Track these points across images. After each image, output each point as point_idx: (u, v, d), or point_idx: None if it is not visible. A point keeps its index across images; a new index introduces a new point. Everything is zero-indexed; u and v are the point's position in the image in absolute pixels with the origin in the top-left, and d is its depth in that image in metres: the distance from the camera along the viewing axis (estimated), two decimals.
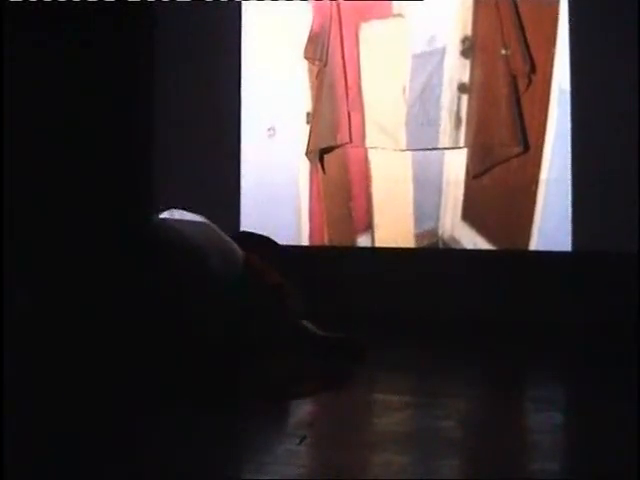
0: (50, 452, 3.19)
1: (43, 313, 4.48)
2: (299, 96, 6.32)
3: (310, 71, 6.30)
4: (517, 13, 5.80)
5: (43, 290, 4.60)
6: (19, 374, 3.93)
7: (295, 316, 4.79)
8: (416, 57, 6.05)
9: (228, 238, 4.71)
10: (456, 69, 5.96)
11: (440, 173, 5.98)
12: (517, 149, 5.79)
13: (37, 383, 4.04)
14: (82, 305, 4.25)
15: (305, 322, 4.87)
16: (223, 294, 4.41)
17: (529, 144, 5.77)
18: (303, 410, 4.00)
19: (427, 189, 5.99)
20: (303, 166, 6.28)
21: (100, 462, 3.08)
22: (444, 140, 5.97)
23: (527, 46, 5.79)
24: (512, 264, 5.77)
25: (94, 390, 3.90)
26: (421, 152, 6.01)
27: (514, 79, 5.82)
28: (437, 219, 5.99)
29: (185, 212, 4.83)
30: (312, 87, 6.30)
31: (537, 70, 5.79)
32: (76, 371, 4.10)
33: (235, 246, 4.67)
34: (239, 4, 6.38)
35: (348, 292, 5.92)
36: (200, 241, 4.53)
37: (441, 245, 6.00)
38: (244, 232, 5.42)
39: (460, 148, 5.94)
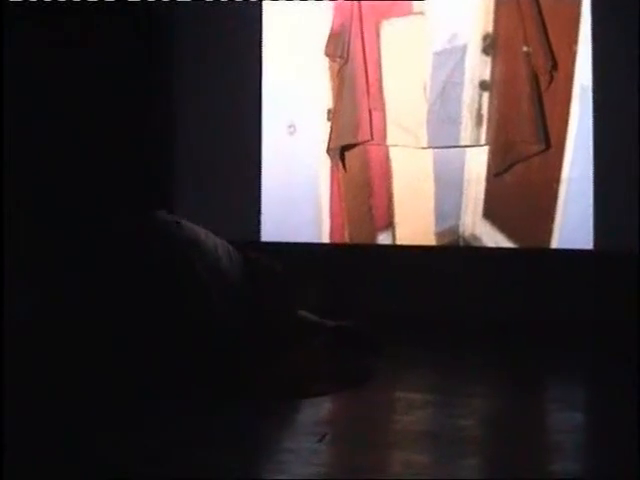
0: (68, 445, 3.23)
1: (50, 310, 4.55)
2: (320, 93, 6.31)
3: (331, 69, 6.29)
4: (539, 10, 5.77)
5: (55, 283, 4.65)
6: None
7: (294, 304, 4.77)
8: (437, 55, 6.03)
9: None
10: (477, 66, 5.94)
11: (461, 171, 5.96)
12: (538, 147, 5.76)
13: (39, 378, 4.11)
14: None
15: (305, 312, 4.85)
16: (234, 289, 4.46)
17: (550, 142, 5.74)
18: (323, 408, 4.01)
19: (448, 187, 5.97)
20: (324, 164, 6.27)
21: (117, 461, 3.11)
22: (465, 138, 5.95)
23: (549, 43, 5.76)
24: (533, 262, 5.75)
25: (108, 389, 3.94)
26: (442, 150, 5.99)
27: (535, 76, 5.79)
28: (458, 217, 5.98)
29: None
30: (333, 85, 6.29)
31: (559, 67, 5.76)
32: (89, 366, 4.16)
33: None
34: (260, 3, 6.38)
35: (368, 290, 5.92)
36: (211, 240, 4.57)
37: (462, 243, 5.98)
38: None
39: (481, 146, 5.92)
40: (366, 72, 6.18)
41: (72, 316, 4.38)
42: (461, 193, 5.95)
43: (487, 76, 5.91)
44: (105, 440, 3.34)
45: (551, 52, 5.75)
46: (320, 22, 6.27)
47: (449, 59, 6.00)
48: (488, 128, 5.89)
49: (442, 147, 5.99)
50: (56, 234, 5.40)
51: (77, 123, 5.87)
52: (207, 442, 3.37)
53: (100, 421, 3.59)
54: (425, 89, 6.04)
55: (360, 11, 6.19)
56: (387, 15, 6.16)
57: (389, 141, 6.13)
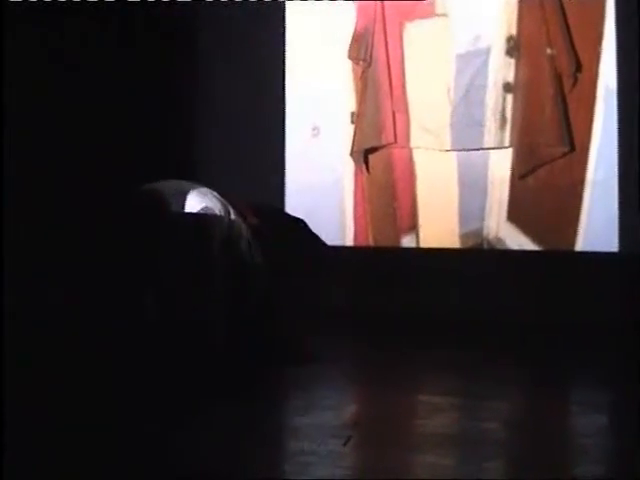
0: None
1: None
2: (343, 96, 6.33)
3: (354, 71, 6.30)
4: (562, 12, 5.76)
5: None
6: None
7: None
8: (460, 57, 6.03)
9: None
10: (501, 69, 5.93)
11: (485, 173, 5.95)
12: (563, 149, 5.74)
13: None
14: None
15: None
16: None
17: (575, 144, 5.72)
18: (347, 411, 4.02)
19: (472, 189, 5.97)
20: (348, 166, 6.28)
21: (139, 462, 3.14)
22: (489, 140, 5.94)
23: (573, 45, 5.74)
24: (557, 265, 5.73)
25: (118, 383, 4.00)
26: (466, 152, 5.99)
27: (559, 78, 5.77)
28: (482, 219, 5.97)
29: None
30: (356, 87, 6.30)
31: (583, 69, 5.73)
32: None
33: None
34: (283, 5, 6.40)
35: (392, 292, 5.92)
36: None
37: (486, 246, 5.97)
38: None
39: (505, 148, 5.91)
40: (389, 75, 6.19)
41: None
42: (485, 195, 5.95)
43: (511, 78, 5.90)
44: (133, 438, 3.37)
45: (575, 54, 5.73)
46: (343, 25, 6.28)
47: (473, 61, 5.99)
48: (512, 130, 5.88)
49: (466, 149, 5.99)
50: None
51: (88, 127, 5.92)
52: (231, 442, 3.39)
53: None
54: (449, 91, 6.04)
55: (383, 13, 6.19)
56: (410, 17, 6.16)
57: (413, 143, 6.13)
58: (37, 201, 5.53)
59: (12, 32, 5.19)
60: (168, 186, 4.56)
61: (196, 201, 4.49)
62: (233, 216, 4.57)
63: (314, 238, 5.08)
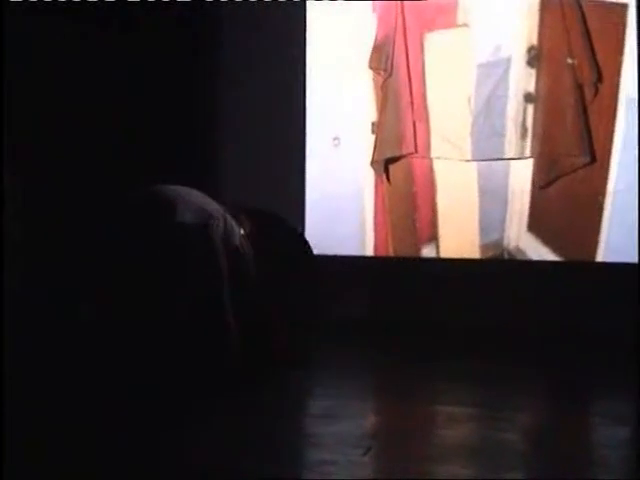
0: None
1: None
2: (364, 106, 6.34)
3: (375, 81, 6.31)
4: (583, 21, 5.74)
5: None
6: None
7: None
8: (481, 67, 6.03)
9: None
10: (522, 79, 5.92)
11: (505, 183, 5.94)
12: (583, 159, 5.73)
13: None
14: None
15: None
16: None
17: (595, 154, 5.71)
18: (367, 421, 4.03)
19: (492, 200, 5.96)
20: (368, 176, 6.29)
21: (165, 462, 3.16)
22: (510, 150, 5.93)
23: (594, 55, 5.73)
24: (578, 275, 5.71)
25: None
26: (486, 162, 5.98)
27: (580, 88, 5.75)
28: (502, 230, 5.95)
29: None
30: (377, 97, 6.31)
31: (604, 79, 5.71)
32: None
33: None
34: (304, 15, 6.42)
35: (412, 303, 5.92)
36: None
37: (506, 256, 5.96)
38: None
39: (526, 158, 5.90)
40: (410, 85, 6.19)
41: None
42: (505, 206, 5.94)
43: (532, 88, 5.89)
44: (143, 440, 3.39)
45: (596, 63, 5.71)
46: (364, 35, 6.29)
47: (493, 71, 5.99)
48: (533, 141, 5.87)
49: (486, 160, 5.98)
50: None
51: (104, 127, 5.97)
52: (250, 450, 3.40)
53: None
54: (469, 101, 6.04)
55: (404, 23, 6.20)
56: (431, 27, 6.17)
57: (433, 154, 6.14)
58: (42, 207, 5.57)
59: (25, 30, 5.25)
60: (170, 190, 4.61)
61: (197, 204, 4.54)
62: (229, 221, 4.62)
63: (306, 248, 5.12)
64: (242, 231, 4.72)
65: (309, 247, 5.12)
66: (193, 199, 4.59)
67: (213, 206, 4.60)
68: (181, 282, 4.36)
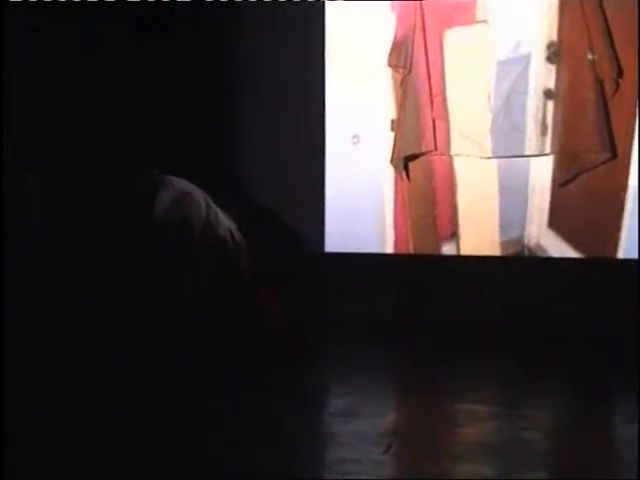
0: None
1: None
2: (383, 104, 6.33)
3: (394, 79, 6.31)
4: (603, 17, 5.71)
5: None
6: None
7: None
8: (501, 63, 6.01)
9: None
10: (542, 75, 5.90)
11: (526, 180, 5.92)
12: (604, 155, 5.69)
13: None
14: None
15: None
16: None
17: (616, 150, 5.67)
18: (388, 419, 4.02)
19: (513, 196, 5.94)
20: (388, 174, 6.28)
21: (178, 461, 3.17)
22: (530, 147, 5.91)
23: (614, 50, 5.69)
24: (599, 273, 5.68)
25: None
26: (506, 159, 5.96)
27: (601, 84, 5.72)
28: (523, 227, 5.94)
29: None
30: (396, 95, 6.30)
31: (624, 74, 5.68)
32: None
33: None
34: (323, 14, 6.42)
35: (432, 300, 5.91)
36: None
37: (527, 253, 5.94)
38: None
39: (546, 155, 5.88)
40: (429, 82, 6.18)
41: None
42: (526, 203, 5.92)
43: (552, 85, 5.87)
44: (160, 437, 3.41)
45: (616, 59, 5.68)
46: (383, 32, 6.28)
47: (513, 68, 5.97)
48: (553, 137, 5.84)
49: (506, 157, 5.96)
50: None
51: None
52: (271, 449, 3.41)
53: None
54: (489, 98, 6.02)
55: (423, 21, 6.19)
56: (450, 24, 6.15)
57: (453, 151, 6.12)
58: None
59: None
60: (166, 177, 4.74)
61: (177, 186, 4.65)
62: (214, 209, 4.69)
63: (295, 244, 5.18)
64: (234, 226, 4.79)
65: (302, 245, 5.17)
66: (181, 184, 4.69)
67: (197, 193, 4.70)
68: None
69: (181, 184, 4.79)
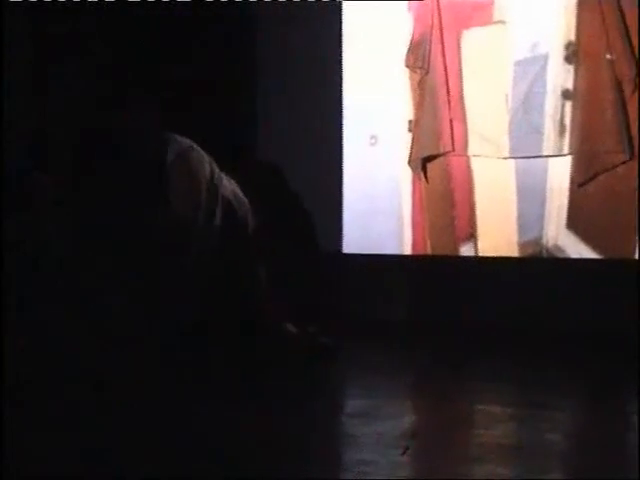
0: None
1: None
2: (401, 104, 6.32)
3: (412, 79, 6.30)
4: (622, 17, 5.69)
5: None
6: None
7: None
8: (518, 64, 5.99)
9: None
10: (560, 75, 5.88)
11: (544, 181, 5.91)
12: (623, 156, 5.67)
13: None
14: None
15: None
16: None
17: (635, 151, 5.65)
18: (406, 421, 4.02)
19: (531, 197, 5.93)
20: (405, 175, 6.28)
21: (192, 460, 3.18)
22: (548, 147, 5.90)
23: (632, 50, 5.67)
24: (618, 273, 5.66)
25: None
26: (524, 160, 5.95)
27: (619, 84, 5.70)
28: (541, 228, 5.92)
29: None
30: (414, 95, 6.29)
31: None
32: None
33: None
34: (340, 14, 6.42)
35: (450, 302, 5.91)
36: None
37: (545, 254, 5.93)
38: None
39: (564, 156, 5.86)
40: (447, 83, 6.17)
41: None
42: (544, 204, 5.90)
43: (570, 85, 5.85)
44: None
45: (635, 58, 5.66)
46: (400, 33, 6.28)
47: (531, 68, 5.96)
48: (571, 138, 5.83)
49: (524, 157, 5.95)
50: None
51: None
52: (288, 450, 3.42)
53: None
54: (507, 99, 6.00)
55: (440, 21, 6.18)
56: (468, 25, 6.14)
57: (470, 151, 6.11)
58: None
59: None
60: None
61: (181, 141, 4.75)
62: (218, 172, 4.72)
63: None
64: (239, 190, 4.82)
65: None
66: (185, 140, 4.73)
67: (201, 151, 4.73)
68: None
69: (185, 140, 4.80)
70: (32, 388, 4.05)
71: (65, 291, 4.51)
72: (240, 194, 4.91)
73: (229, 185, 4.86)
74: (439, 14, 6.18)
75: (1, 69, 4.85)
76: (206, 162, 4.78)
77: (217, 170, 4.81)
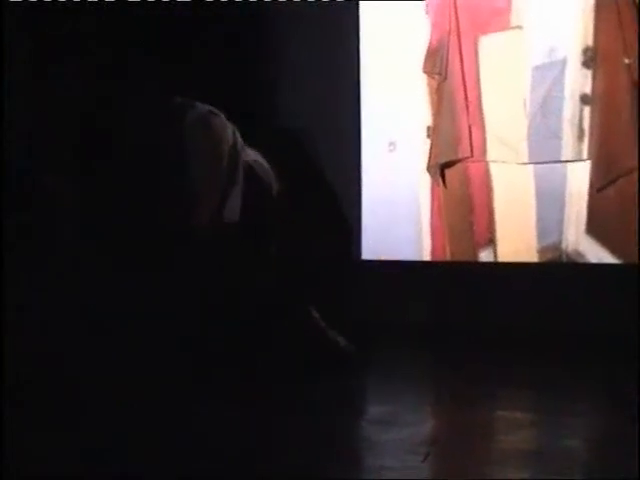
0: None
1: None
2: (419, 110, 6.33)
3: (430, 85, 6.31)
4: (639, 21, 5.68)
5: None
6: None
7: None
8: (536, 69, 5.99)
9: None
10: (577, 80, 5.87)
11: (563, 186, 5.90)
12: None
13: None
14: None
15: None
16: None
17: None
18: (426, 427, 4.03)
19: (550, 202, 5.92)
20: (424, 181, 6.28)
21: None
22: (566, 152, 5.89)
23: None
24: (638, 278, 5.64)
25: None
26: (543, 165, 5.95)
27: (638, 88, 5.69)
28: (560, 233, 5.91)
29: None
30: (432, 101, 6.30)
31: None
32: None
33: None
34: (357, 20, 6.43)
35: (470, 307, 5.91)
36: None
37: (565, 259, 5.92)
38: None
39: (583, 160, 5.85)
40: (465, 88, 6.17)
41: None
42: (563, 208, 5.89)
43: (588, 89, 5.84)
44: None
45: None
46: (417, 39, 6.29)
47: (549, 73, 5.95)
48: (590, 142, 5.82)
49: (543, 162, 5.95)
50: None
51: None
52: (307, 456, 3.43)
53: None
54: (525, 104, 6.01)
55: (458, 27, 6.18)
56: (485, 30, 6.15)
57: (489, 157, 6.11)
58: None
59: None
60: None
61: (201, 106, 4.77)
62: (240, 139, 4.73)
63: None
64: (261, 159, 4.81)
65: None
66: (205, 106, 4.76)
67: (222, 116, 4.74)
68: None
69: (205, 106, 4.79)
70: (32, 388, 4.08)
71: (70, 287, 4.54)
72: (264, 162, 4.89)
73: (252, 153, 4.85)
74: (456, 20, 6.18)
75: (1, 69, 4.86)
76: (228, 128, 4.76)
77: (240, 137, 4.78)
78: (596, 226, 5.83)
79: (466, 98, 6.17)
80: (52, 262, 4.73)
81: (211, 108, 4.79)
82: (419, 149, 6.31)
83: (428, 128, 6.30)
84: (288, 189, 4.95)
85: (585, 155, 5.84)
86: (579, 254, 5.88)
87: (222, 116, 4.78)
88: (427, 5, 6.25)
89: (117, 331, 4.55)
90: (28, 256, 4.56)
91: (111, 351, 4.45)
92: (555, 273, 5.88)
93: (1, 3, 4.90)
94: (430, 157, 6.25)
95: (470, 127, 6.16)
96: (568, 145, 5.87)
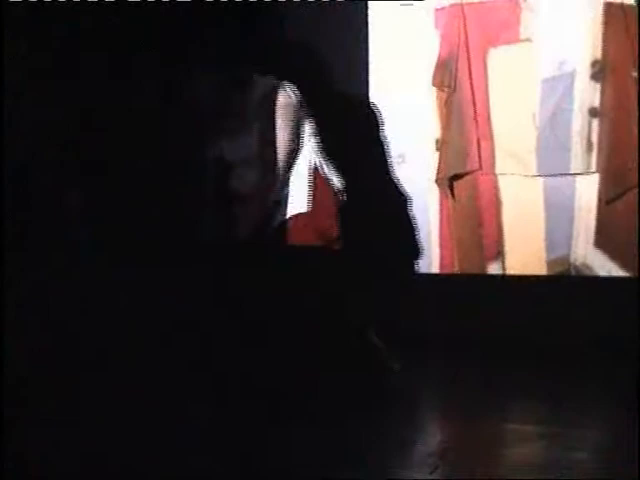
0: None
1: None
2: (428, 123, 6.34)
3: (439, 98, 6.32)
4: None
5: None
6: None
7: None
8: (545, 82, 6.01)
9: None
10: (586, 93, 5.89)
11: (572, 199, 5.90)
12: None
13: None
14: None
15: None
16: None
17: None
18: (435, 439, 4.03)
19: (558, 215, 5.92)
20: (433, 193, 6.29)
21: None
22: (575, 165, 5.90)
23: None
24: None
25: None
26: (552, 178, 5.95)
27: None
28: (569, 246, 5.92)
29: None
30: (441, 114, 6.31)
31: None
32: None
33: None
34: (366, 32, 6.45)
35: (479, 320, 5.90)
36: None
37: (573, 272, 5.92)
38: None
39: (592, 173, 5.86)
40: (474, 101, 6.19)
41: None
42: (572, 221, 5.90)
43: (597, 102, 5.85)
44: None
45: None
46: (427, 52, 6.30)
47: (558, 86, 5.96)
48: (599, 155, 5.83)
49: (552, 175, 5.95)
50: None
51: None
52: (317, 465, 3.44)
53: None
54: (534, 117, 6.01)
55: (467, 40, 6.20)
56: (494, 43, 6.16)
57: (498, 170, 6.12)
58: None
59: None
60: None
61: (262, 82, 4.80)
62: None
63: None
64: None
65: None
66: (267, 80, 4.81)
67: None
68: None
69: (269, 80, 4.77)
70: (32, 388, 4.09)
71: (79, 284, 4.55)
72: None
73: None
74: (466, 33, 6.20)
75: (1, 69, 4.87)
76: (294, 103, 4.74)
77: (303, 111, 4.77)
78: (605, 239, 5.83)
79: (475, 111, 6.18)
80: (52, 262, 4.74)
81: (276, 82, 4.78)
82: (428, 162, 6.32)
83: (437, 141, 6.31)
84: None
85: (594, 168, 5.85)
86: (588, 267, 5.88)
87: (288, 90, 4.77)
88: (436, 18, 6.26)
89: (117, 331, 4.56)
90: (28, 256, 4.56)
91: (111, 351, 4.46)
92: (564, 286, 5.88)
93: (1, 3, 4.90)
94: (439, 170, 6.26)
95: (479, 140, 6.17)
96: (577, 158, 5.88)
